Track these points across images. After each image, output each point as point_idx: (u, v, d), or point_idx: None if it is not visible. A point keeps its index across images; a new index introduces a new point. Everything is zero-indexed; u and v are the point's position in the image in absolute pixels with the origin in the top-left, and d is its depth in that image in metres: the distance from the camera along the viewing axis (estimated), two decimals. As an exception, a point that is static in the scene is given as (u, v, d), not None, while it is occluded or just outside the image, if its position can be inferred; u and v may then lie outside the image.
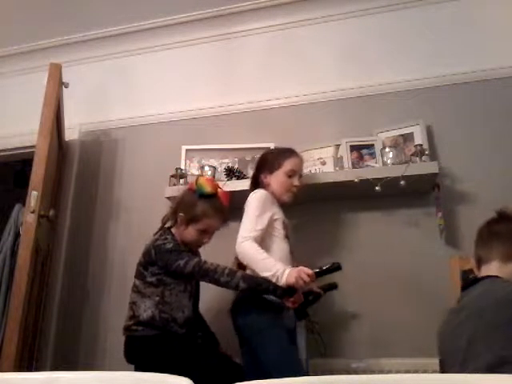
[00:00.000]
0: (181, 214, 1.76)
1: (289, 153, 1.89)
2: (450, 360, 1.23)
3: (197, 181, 1.81)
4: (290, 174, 1.84)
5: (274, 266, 1.60)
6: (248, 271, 1.69)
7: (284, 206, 1.88)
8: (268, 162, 1.88)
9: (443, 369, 1.30)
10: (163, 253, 1.67)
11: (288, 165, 1.84)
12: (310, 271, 1.57)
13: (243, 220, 1.74)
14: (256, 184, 1.90)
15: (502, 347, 1.08)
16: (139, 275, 1.72)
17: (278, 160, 1.86)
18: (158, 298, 1.66)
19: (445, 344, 1.29)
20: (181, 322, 1.67)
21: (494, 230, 1.33)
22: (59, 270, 2.44)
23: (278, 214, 1.80)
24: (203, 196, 1.76)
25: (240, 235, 1.68)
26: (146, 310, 1.64)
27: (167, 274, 1.68)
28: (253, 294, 1.64)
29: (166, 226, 1.81)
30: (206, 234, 1.77)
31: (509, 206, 1.38)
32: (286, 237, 1.80)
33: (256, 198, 1.77)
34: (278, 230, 1.78)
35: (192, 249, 1.79)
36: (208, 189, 1.77)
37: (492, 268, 1.28)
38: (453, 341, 1.22)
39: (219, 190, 1.84)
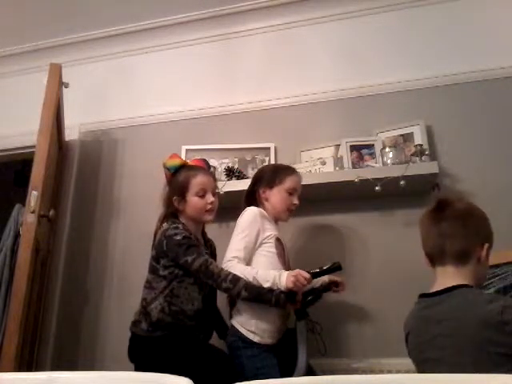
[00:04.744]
0: (174, 198, 1.75)
1: (290, 170, 1.86)
2: (429, 369, 1.20)
3: (164, 165, 1.82)
4: (291, 192, 1.80)
5: (268, 274, 1.59)
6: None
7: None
8: (268, 176, 1.83)
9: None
10: (173, 245, 1.65)
11: (289, 182, 1.80)
12: (307, 275, 1.56)
13: (232, 239, 1.71)
14: (251, 199, 1.85)
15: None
16: (152, 269, 1.71)
17: (279, 176, 1.81)
18: (167, 291, 1.65)
19: (421, 354, 1.25)
20: (191, 315, 1.65)
21: (443, 231, 1.27)
22: (59, 270, 2.44)
23: (271, 231, 1.74)
24: (177, 169, 1.79)
25: (226, 256, 1.67)
26: (157, 305, 1.63)
27: (178, 266, 1.66)
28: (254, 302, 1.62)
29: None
30: (205, 194, 1.74)
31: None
32: (281, 256, 1.72)
33: (247, 216, 1.73)
34: (269, 248, 1.72)
35: (208, 220, 1.78)
36: (177, 161, 1.80)
37: (449, 272, 1.25)
38: (432, 351, 1.20)
39: (188, 160, 1.89)
